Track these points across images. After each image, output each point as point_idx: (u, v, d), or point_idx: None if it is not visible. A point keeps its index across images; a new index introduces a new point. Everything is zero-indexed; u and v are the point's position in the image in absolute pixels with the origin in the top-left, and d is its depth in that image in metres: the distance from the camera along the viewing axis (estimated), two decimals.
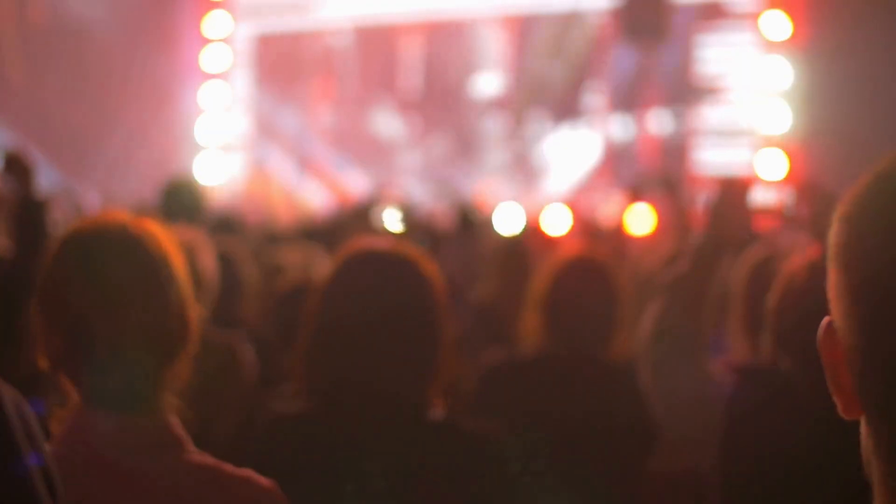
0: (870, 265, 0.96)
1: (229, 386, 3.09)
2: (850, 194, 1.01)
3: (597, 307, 3.14)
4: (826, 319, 0.99)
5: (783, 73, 10.22)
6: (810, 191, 3.56)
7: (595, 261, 3.26)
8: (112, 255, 1.64)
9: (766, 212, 2.67)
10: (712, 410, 2.28)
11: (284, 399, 3.18)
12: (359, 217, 8.34)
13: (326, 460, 2.16)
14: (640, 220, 8.39)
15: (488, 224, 7.79)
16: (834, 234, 1.00)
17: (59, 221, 3.56)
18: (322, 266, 5.00)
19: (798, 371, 2.19)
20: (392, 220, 7.96)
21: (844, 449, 1.09)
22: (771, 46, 10.35)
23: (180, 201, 4.72)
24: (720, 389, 2.31)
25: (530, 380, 3.13)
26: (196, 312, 1.69)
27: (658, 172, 9.91)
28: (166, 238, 1.69)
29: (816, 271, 1.87)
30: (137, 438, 1.60)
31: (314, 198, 12.26)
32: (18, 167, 3.38)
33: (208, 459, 1.63)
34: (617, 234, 7.85)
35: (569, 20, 11.70)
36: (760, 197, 2.64)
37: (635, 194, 9.00)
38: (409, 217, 8.09)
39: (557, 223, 8.73)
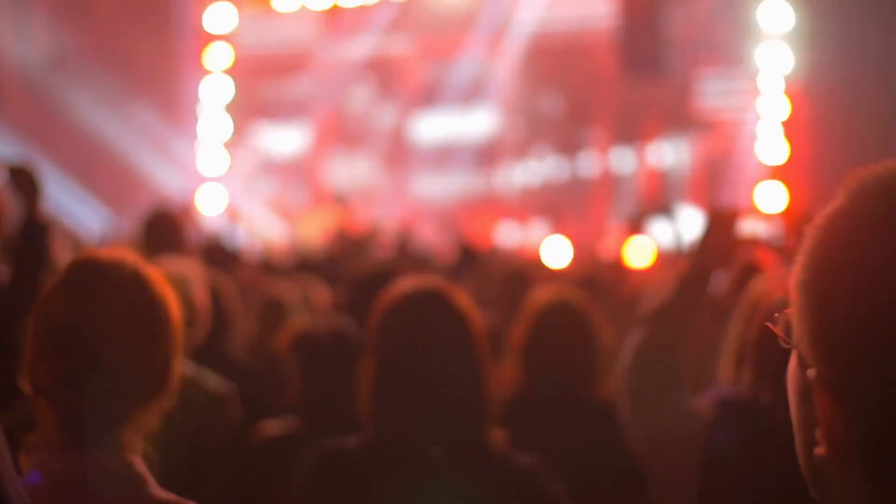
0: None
1: (216, 435, 3.09)
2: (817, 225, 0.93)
3: (575, 350, 3.12)
4: (811, 373, 0.91)
5: (781, 102, 10.24)
6: (802, 222, 3.52)
7: (572, 304, 3.24)
8: (122, 292, 1.64)
9: (754, 243, 2.63)
10: (693, 446, 2.25)
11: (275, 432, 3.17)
12: (357, 249, 8.33)
13: (385, 494, 2.17)
14: (640, 252, 8.37)
15: (488, 259, 7.76)
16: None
17: (58, 250, 3.41)
18: (319, 298, 4.97)
19: (778, 404, 2.17)
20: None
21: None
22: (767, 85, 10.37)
23: (161, 232, 4.68)
24: (702, 424, 2.28)
25: (512, 425, 3.07)
26: (179, 366, 1.69)
27: (658, 204, 9.91)
28: (169, 287, 1.69)
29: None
30: (99, 477, 1.58)
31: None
32: (25, 183, 3.04)
33: (171, 496, 1.61)
34: (617, 266, 7.83)
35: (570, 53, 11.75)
36: (749, 228, 2.62)
37: (635, 226, 8.98)
38: (407, 249, 8.09)
39: (559, 255, 8.73)
